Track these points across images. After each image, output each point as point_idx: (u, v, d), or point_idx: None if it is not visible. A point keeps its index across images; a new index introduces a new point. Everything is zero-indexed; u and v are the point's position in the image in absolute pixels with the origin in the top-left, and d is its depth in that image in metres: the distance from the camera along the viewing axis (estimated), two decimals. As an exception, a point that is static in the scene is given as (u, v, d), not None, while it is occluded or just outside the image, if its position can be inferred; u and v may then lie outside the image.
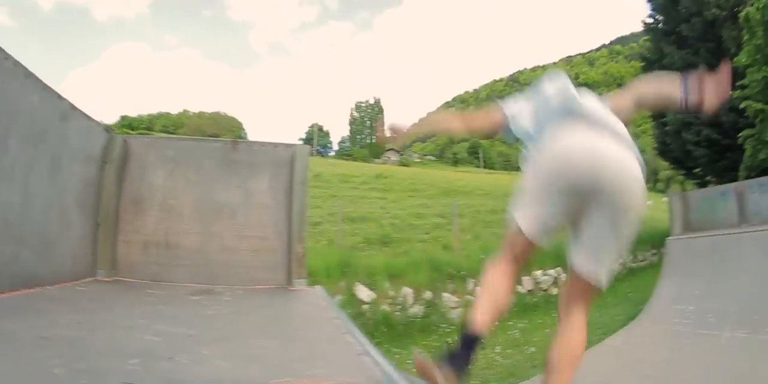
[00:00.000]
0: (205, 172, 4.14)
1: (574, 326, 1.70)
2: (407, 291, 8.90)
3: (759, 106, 12.60)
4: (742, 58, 13.35)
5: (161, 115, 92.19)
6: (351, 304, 8.22)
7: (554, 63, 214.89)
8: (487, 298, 1.74)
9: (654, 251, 17.47)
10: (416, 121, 2.28)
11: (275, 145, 4.44)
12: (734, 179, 13.16)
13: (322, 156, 72.23)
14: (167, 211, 4.02)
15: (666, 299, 8.63)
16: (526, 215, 1.69)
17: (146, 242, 3.95)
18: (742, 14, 13.39)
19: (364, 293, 8.49)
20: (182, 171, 4.12)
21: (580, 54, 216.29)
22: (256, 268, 3.98)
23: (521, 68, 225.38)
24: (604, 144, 1.64)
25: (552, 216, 1.69)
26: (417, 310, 8.77)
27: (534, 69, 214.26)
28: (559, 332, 1.74)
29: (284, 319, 2.94)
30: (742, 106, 13.22)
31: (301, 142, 4.36)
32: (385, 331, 8.09)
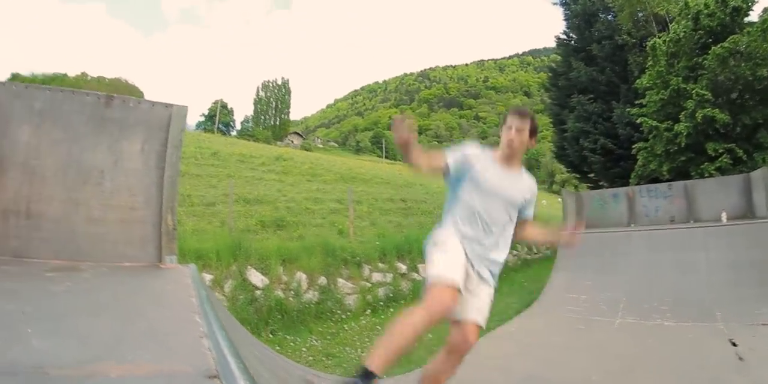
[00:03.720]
0: (73, 129, 3.51)
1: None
2: (301, 276, 8.47)
3: (654, 123, 13.80)
4: (644, 81, 14.93)
5: (57, 77, 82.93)
6: (243, 289, 7.68)
7: (466, 64, 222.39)
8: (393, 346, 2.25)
9: (548, 245, 18.43)
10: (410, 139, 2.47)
11: (152, 103, 3.87)
12: (624, 185, 14.12)
13: (224, 134, 69.44)
14: (30, 173, 3.36)
15: (559, 289, 8.91)
16: None
17: (6, 211, 3.28)
18: (649, 43, 14.91)
19: (256, 278, 7.96)
20: (48, 127, 3.46)
21: (492, 59, 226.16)
22: (124, 242, 3.47)
23: (433, 66, 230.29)
24: None
25: None
26: (311, 295, 8.38)
27: (445, 68, 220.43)
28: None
29: (135, 297, 2.57)
30: (638, 121, 14.32)
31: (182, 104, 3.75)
32: (279, 317, 7.63)
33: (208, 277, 7.42)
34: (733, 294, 7.09)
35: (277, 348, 6.54)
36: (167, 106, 3.85)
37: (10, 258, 3.14)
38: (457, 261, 2.56)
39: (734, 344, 5.51)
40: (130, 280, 3.08)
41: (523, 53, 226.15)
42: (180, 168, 3.80)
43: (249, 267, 8.07)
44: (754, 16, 13.48)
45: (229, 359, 1.55)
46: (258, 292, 7.78)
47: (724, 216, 9.61)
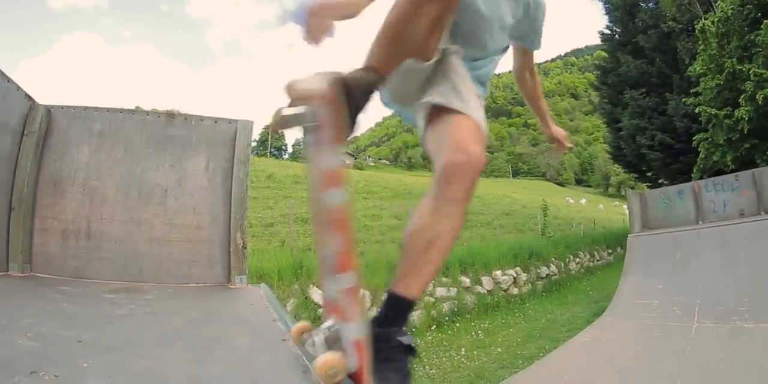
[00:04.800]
0: (134, 148, 3.48)
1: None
2: (364, 293, 8.50)
3: (712, 111, 13.24)
4: (697, 67, 14.26)
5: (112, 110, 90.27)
6: (305, 307, 7.81)
7: (510, 71, 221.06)
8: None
9: (609, 251, 17.85)
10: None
11: (215, 119, 3.79)
12: (686, 181, 13.53)
13: (276, 158, 71.53)
14: (90, 193, 3.34)
15: (630, 295, 8.62)
16: None
17: (66, 231, 3.24)
18: (698, 26, 14.26)
19: (319, 296, 8.04)
20: (108, 147, 3.43)
21: (535, 64, 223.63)
22: (189, 262, 3.36)
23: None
24: None
25: None
26: (375, 312, 8.41)
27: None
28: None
29: (210, 322, 2.31)
30: (696, 111, 13.77)
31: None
32: (344, 335, 7.72)
33: (269, 295, 7.64)
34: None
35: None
36: (231, 121, 3.78)
37: (69, 278, 3.02)
38: None
39: None
40: (199, 302, 2.87)
41: (566, 54, 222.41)
42: (248, 184, 3.66)
43: (311, 285, 8.20)
44: None
45: None
46: (321, 311, 7.89)
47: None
